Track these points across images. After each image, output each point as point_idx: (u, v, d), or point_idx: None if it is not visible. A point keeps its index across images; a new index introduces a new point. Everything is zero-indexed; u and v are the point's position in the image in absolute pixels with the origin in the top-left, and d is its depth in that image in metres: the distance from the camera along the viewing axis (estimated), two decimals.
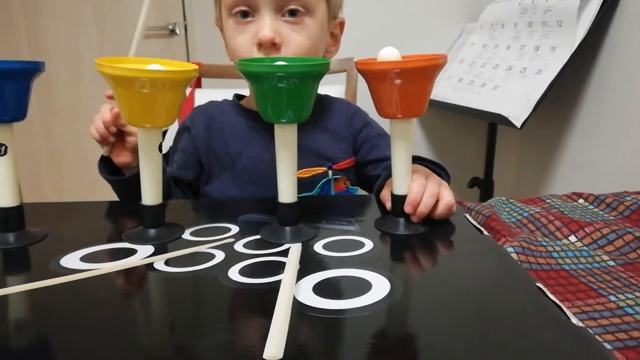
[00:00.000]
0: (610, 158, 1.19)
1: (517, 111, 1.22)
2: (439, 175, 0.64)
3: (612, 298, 0.48)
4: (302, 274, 0.41)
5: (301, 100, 0.47)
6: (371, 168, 0.77)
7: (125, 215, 0.62)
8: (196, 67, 0.49)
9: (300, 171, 0.69)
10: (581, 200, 0.78)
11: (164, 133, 0.91)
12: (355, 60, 0.52)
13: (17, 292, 0.39)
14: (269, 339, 0.30)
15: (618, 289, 0.50)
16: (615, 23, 1.18)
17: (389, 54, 0.50)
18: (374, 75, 0.50)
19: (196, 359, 0.31)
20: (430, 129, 1.88)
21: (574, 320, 0.34)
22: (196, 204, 0.70)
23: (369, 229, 0.52)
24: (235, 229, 0.53)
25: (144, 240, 0.49)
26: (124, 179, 0.66)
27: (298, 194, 0.51)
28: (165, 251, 0.46)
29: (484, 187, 1.62)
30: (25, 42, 1.98)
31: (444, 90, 1.61)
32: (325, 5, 0.69)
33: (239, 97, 0.82)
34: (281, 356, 0.28)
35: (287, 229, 0.50)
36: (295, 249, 0.45)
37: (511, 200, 0.76)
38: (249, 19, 0.66)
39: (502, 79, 1.38)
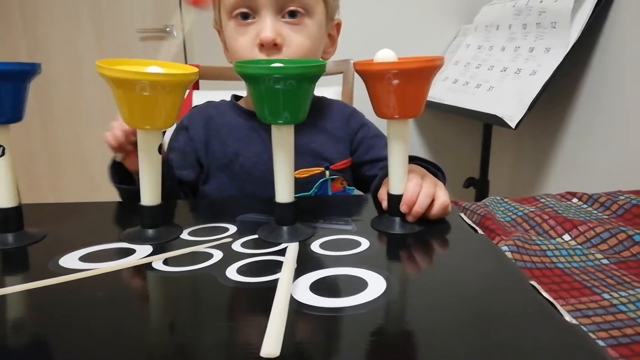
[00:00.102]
0: (604, 158, 1.20)
1: (512, 112, 1.23)
2: (435, 175, 0.64)
3: (606, 296, 0.48)
4: (299, 272, 0.41)
5: (298, 102, 0.48)
6: (367, 168, 0.78)
7: (124, 215, 0.62)
8: (196, 69, 0.50)
9: (297, 171, 0.69)
10: (575, 200, 0.79)
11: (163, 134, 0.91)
12: (353, 61, 0.52)
13: (16, 292, 0.39)
14: (267, 336, 0.30)
15: (612, 287, 0.50)
16: (609, 24, 1.19)
17: (385, 55, 0.50)
18: (372, 76, 0.51)
19: (195, 358, 0.31)
20: (426, 129, 1.88)
21: (568, 317, 0.34)
22: (194, 204, 0.70)
23: (365, 229, 0.53)
24: (233, 228, 0.53)
25: (142, 240, 0.50)
26: (135, 188, 0.64)
27: (295, 194, 0.52)
28: (163, 251, 0.47)
29: (480, 187, 1.63)
30: (23, 45, 1.98)
31: (439, 91, 1.62)
32: (323, 7, 0.70)
33: (236, 97, 0.83)
34: (278, 354, 0.29)
35: (285, 228, 0.51)
36: (293, 248, 0.45)
37: (506, 200, 0.77)
38: (249, 20, 0.67)
39: (496, 80, 1.39)
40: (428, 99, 0.52)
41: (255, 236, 0.51)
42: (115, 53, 1.95)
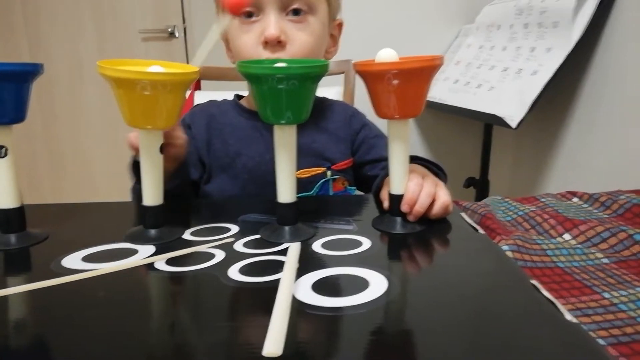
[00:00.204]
0: (605, 157, 1.20)
1: (513, 112, 1.23)
2: (436, 174, 0.65)
3: (606, 295, 0.48)
4: (301, 272, 0.41)
5: (300, 102, 0.48)
6: (369, 168, 0.78)
7: (126, 215, 0.63)
8: (197, 69, 0.50)
9: (299, 171, 0.70)
10: (575, 199, 0.79)
11: None
12: (354, 62, 0.53)
13: (19, 292, 0.39)
14: (268, 336, 0.30)
15: (612, 286, 0.50)
16: (611, 24, 1.19)
17: (386, 55, 0.50)
18: (372, 76, 0.51)
19: (197, 357, 0.31)
20: (426, 129, 1.89)
21: (568, 316, 0.34)
22: (196, 204, 0.70)
23: (367, 228, 0.53)
24: (235, 228, 0.53)
25: (144, 241, 0.50)
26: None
27: (297, 194, 0.52)
28: (166, 251, 0.47)
29: (480, 186, 1.63)
30: (25, 45, 1.99)
31: (440, 91, 1.62)
32: (326, 5, 0.71)
33: (239, 97, 0.83)
34: (280, 353, 0.29)
35: (286, 228, 0.51)
36: (294, 248, 0.45)
37: (506, 200, 0.77)
38: (253, 18, 0.67)
39: (497, 80, 1.39)
40: (429, 99, 0.53)
41: (257, 236, 0.51)
42: (116, 54, 1.95)
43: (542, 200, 0.78)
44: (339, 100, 0.95)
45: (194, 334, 0.33)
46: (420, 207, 0.52)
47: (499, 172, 1.70)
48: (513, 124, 1.20)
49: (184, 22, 1.95)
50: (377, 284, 0.39)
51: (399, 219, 0.54)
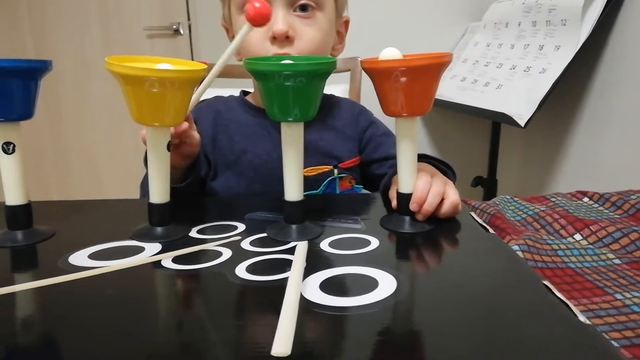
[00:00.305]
0: (615, 156, 1.19)
1: (521, 110, 1.22)
2: (445, 173, 0.64)
3: (618, 296, 0.48)
4: (308, 271, 0.41)
5: (308, 99, 0.47)
6: (376, 167, 0.77)
7: (132, 213, 0.62)
8: (205, 66, 0.49)
9: (306, 169, 0.69)
10: (586, 199, 0.78)
11: None
12: (360, 59, 0.52)
13: (26, 289, 0.39)
14: (277, 335, 0.30)
15: (624, 287, 0.50)
16: (620, 21, 1.18)
17: (390, 54, 0.50)
18: (380, 74, 0.50)
19: (204, 356, 0.31)
20: (433, 128, 1.88)
21: (582, 317, 0.34)
22: (202, 202, 0.70)
23: (375, 227, 0.53)
24: (241, 226, 0.53)
25: (151, 238, 0.50)
26: (180, 187, 0.62)
27: (304, 192, 0.51)
28: (172, 249, 0.47)
29: (488, 186, 1.62)
30: (30, 42, 1.99)
31: (447, 89, 1.61)
32: (333, 2, 0.71)
33: (245, 93, 0.82)
34: (289, 352, 0.28)
35: (294, 226, 0.51)
36: (302, 247, 0.45)
37: (516, 199, 0.76)
38: None
39: (505, 78, 1.38)
40: (436, 97, 0.52)
41: (264, 234, 0.51)
42: (122, 51, 1.95)
43: (552, 199, 0.77)
44: (345, 97, 0.95)
45: (201, 332, 0.33)
46: (429, 206, 0.52)
47: (507, 171, 1.69)
48: (522, 122, 1.19)
49: (188, 19, 1.95)
50: (385, 284, 0.39)
51: (407, 218, 0.53)
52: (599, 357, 0.30)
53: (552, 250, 0.57)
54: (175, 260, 0.45)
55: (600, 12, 1.16)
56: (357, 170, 0.78)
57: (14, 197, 0.50)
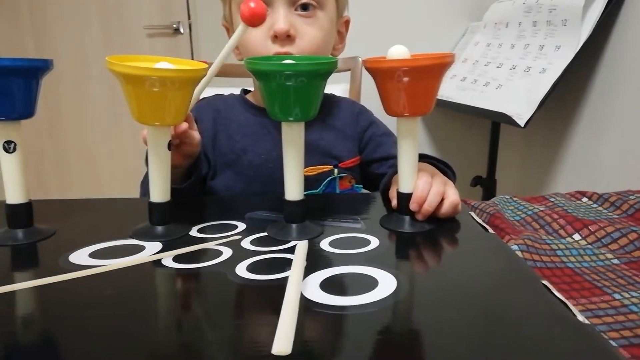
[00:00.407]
0: (615, 157, 1.19)
1: (521, 110, 1.22)
2: (445, 173, 0.64)
3: (617, 296, 0.48)
4: (308, 270, 0.41)
5: (309, 99, 0.48)
6: (376, 166, 0.78)
7: (133, 212, 0.62)
8: (205, 65, 0.49)
9: (306, 169, 0.69)
10: (585, 199, 0.78)
11: None
12: (362, 58, 0.52)
13: (26, 288, 0.39)
14: (278, 334, 0.30)
15: (622, 287, 0.50)
16: (621, 21, 1.18)
17: (398, 52, 0.50)
18: (382, 74, 0.50)
19: (205, 355, 0.31)
20: (433, 127, 1.88)
21: (580, 317, 0.34)
22: (202, 201, 0.70)
23: (375, 227, 0.53)
24: (242, 226, 0.53)
25: (151, 237, 0.50)
26: (181, 188, 0.62)
27: (304, 191, 0.52)
28: (172, 248, 0.47)
29: (487, 185, 1.62)
30: (31, 42, 1.99)
31: (447, 89, 1.61)
32: (334, 1, 0.71)
33: (245, 91, 0.82)
34: (290, 351, 0.29)
35: (294, 226, 0.51)
36: (302, 246, 0.45)
37: (515, 199, 0.76)
38: None
39: (505, 78, 1.38)
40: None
41: (264, 234, 0.51)
42: (122, 50, 1.95)
43: (551, 199, 0.77)
44: (345, 97, 0.95)
45: (201, 331, 0.33)
46: (429, 206, 0.52)
47: (506, 171, 1.69)
48: (521, 122, 1.19)
49: (189, 18, 1.95)
50: (385, 283, 0.39)
51: (407, 218, 0.53)
52: (598, 356, 0.30)
53: (551, 250, 0.57)
54: (176, 259, 0.45)
55: (601, 12, 1.16)
56: (357, 170, 0.78)
57: (14, 196, 0.50)
